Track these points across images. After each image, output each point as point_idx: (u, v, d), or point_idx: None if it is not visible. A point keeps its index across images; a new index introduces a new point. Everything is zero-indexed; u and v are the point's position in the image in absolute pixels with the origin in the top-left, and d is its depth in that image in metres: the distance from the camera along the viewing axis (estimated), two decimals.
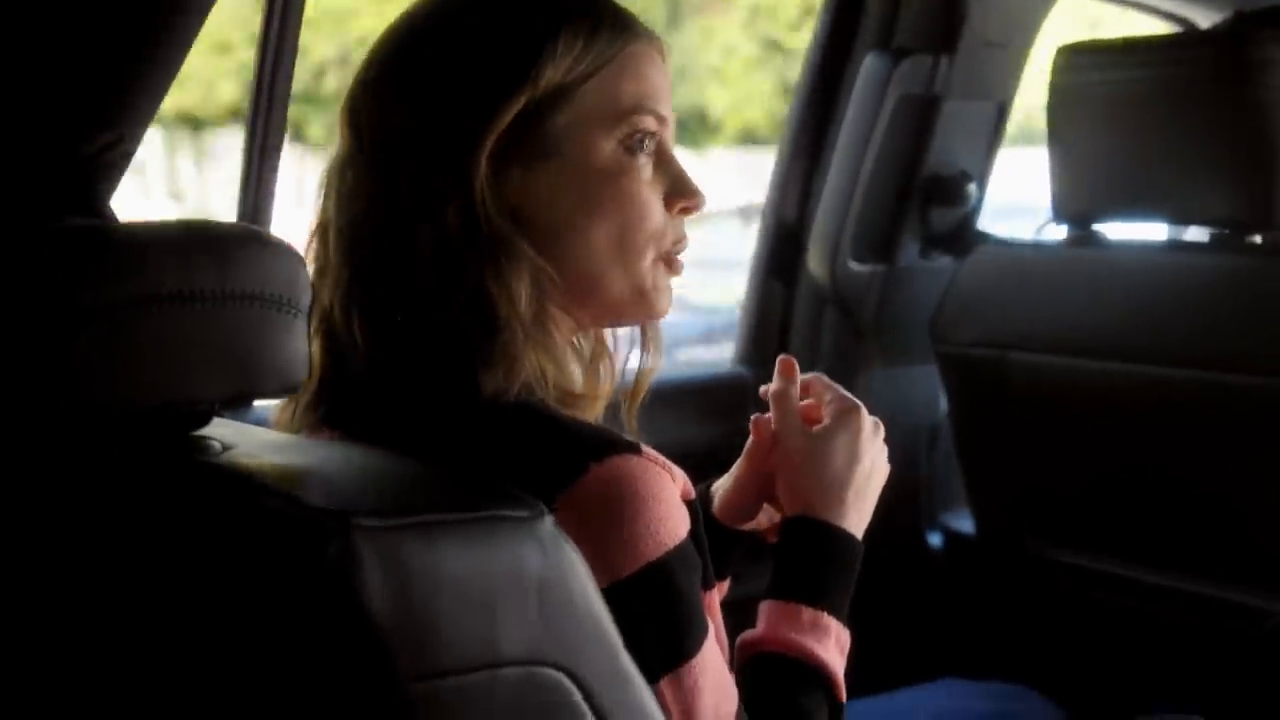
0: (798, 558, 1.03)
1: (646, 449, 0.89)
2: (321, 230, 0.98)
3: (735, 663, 1.01)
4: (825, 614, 1.01)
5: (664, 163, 0.98)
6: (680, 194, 0.98)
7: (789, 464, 1.05)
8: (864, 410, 1.06)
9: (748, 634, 1.02)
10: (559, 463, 0.86)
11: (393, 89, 0.96)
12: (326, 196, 0.98)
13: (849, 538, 1.03)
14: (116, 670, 0.79)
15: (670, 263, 0.99)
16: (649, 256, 0.98)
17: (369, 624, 0.70)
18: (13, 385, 0.71)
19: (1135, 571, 1.87)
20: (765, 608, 1.02)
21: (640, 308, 0.99)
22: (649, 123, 0.97)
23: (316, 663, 0.72)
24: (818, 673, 0.99)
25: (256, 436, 0.88)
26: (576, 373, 0.99)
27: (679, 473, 0.92)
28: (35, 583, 0.81)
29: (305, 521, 0.73)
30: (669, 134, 0.99)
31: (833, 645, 1.01)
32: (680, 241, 1.00)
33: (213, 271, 0.74)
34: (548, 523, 0.78)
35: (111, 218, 0.98)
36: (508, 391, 0.91)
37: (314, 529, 0.72)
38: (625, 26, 0.98)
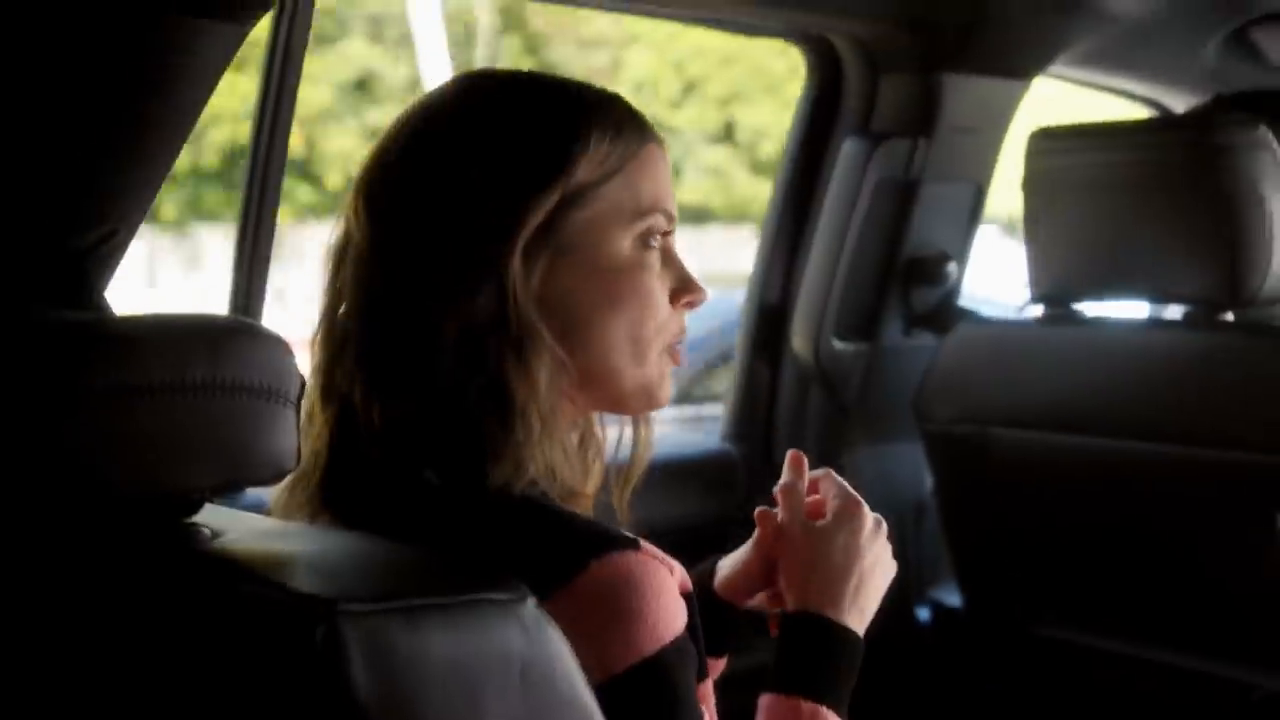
0: (798, 652, 1.04)
1: (645, 544, 0.90)
2: (331, 310, 0.98)
3: None
4: (824, 709, 1.01)
5: (670, 259, 1.02)
6: (685, 289, 1.01)
7: (792, 558, 1.07)
8: (865, 508, 1.07)
9: None
10: (559, 558, 0.87)
11: (421, 173, 0.97)
12: (336, 275, 0.99)
13: (849, 633, 1.04)
14: None
15: (673, 355, 1.02)
16: (657, 349, 1.00)
17: (355, 708, 0.71)
18: (6, 472, 0.73)
19: (1122, 646, 1.88)
20: (764, 701, 1.02)
21: (645, 400, 1.01)
22: (662, 221, 1.00)
23: None
24: None
25: (246, 523, 0.90)
26: (576, 465, 1.00)
27: (677, 566, 0.93)
28: (24, 665, 0.82)
29: (291, 607, 0.74)
30: (674, 232, 1.03)
31: None
32: (681, 333, 1.03)
33: (204, 362, 0.76)
34: (530, 605, 0.79)
35: (106, 309, 1.00)
36: (515, 485, 0.92)
37: (300, 614, 0.73)
38: (642, 127, 1.01)
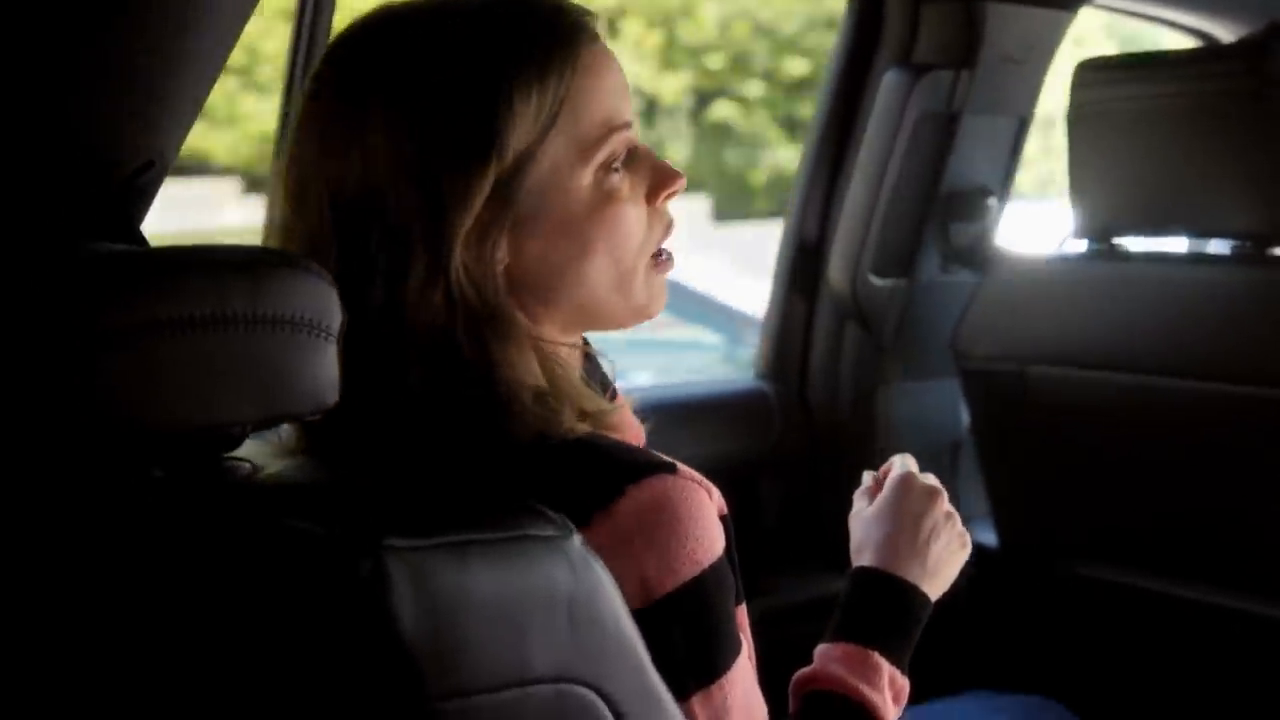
0: (853, 602, 1.06)
1: (682, 467, 0.89)
2: None
3: (790, 703, 1.02)
4: (876, 654, 1.02)
5: (638, 161, 0.95)
6: (661, 184, 0.96)
7: (869, 518, 1.11)
8: (914, 485, 1.11)
9: (800, 672, 1.03)
10: (595, 485, 0.86)
11: (333, 166, 0.90)
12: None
13: (908, 585, 1.06)
14: (146, 692, 0.80)
15: (659, 265, 0.98)
16: (642, 268, 0.96)
17: (399, 643, 0.71)
18: (46, 406, 0.72)
19: (1160, 585, 1.87)
20: (819, 649, 1.04)
21: (639, 318, 0.98)
22: (619, 139, 0.93)
23: (347, 682, 0.73)
24: (863, 711, 1.00)
25: (286, 458, 0.89)
26: (596, 395, 0.97)
27: (714, 489, 0.91)
28: (67, 602, 0.82)
29: (336, 542, 0.73)
30: (635, 130, 0.95)
31: (884, 687, 1.01)
32: (668, 230, 0.98)
33: (245, 295, 0.75)
34: (576, 541, 0.79)
35: (143, 242, 0.99)
36: (548, 435, 0.89)
37: (345, 549, 0.72)
38: (571, 36, 0.91)
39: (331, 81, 0.92)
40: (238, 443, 0.82)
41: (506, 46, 0.89)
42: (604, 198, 0.92)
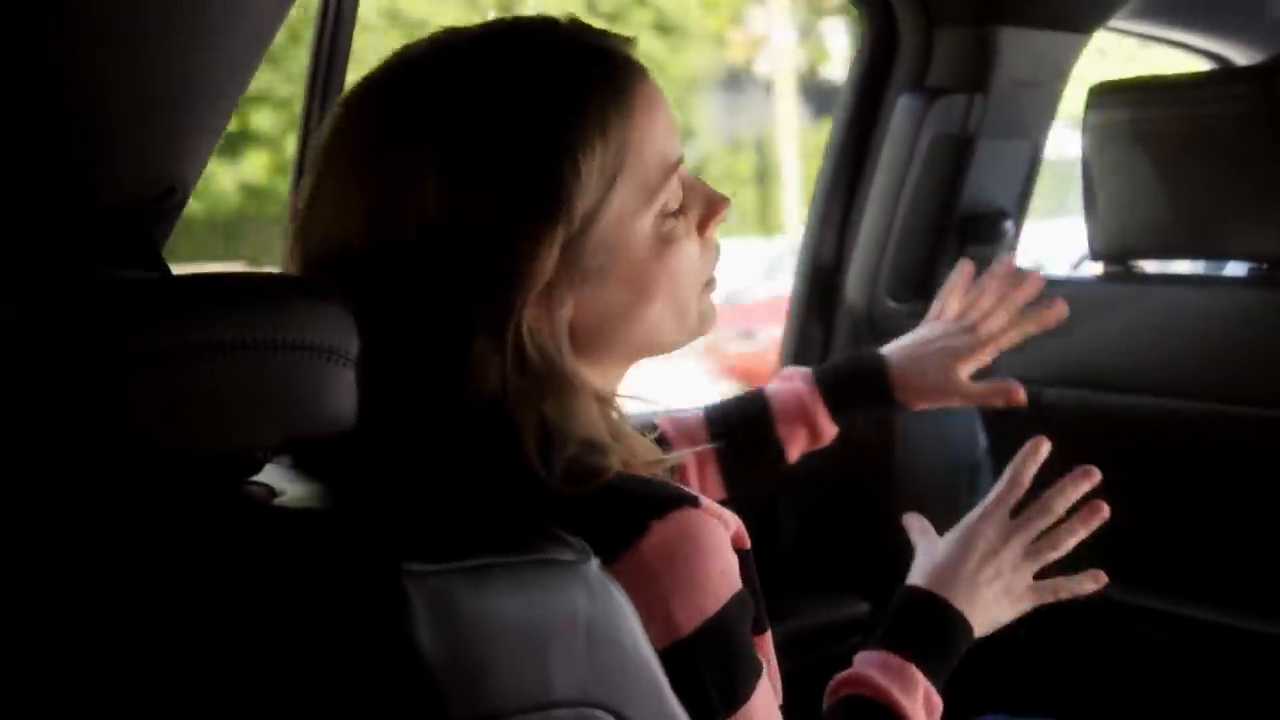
0: (899, 616, 1.09)
1: (703, 499, 0.89)
2: None
3: (824, 705, 1.03)
4: (914, 667, 1.03)
5: (689, 195, 0.94)
6: (710, 213, 0.95)
7: (943, 541, 1.14)
8: (995, 520, 1.13)
9: (838, 676, 1.04)
10: (620, 521, 0.86)
11: (378, 208, 0.86)
12: None
13: (953, 611, 1.07)
14: (161, 714, 0.81)
15: (710, 287, 0.98)
16: (695, 299, 0.97)
17: (420, 668, 0.71)
18: (71, 430, 0.73)
19: (1176, 607, 1.86)
20: (859, 655, 1.06)
21: (690, 340, 0.99)
22: (676, 182, 0.92)
23: (369, 708, 0.73)
24: (896, 718, 1.01)
25: (305, 483, 0.90)
26: (636, 437, 0.96)
27: (732, 519, 0.92)
28: (86, 625, 0.82)
29: (355, 567, 0.74)
30: (684, 165, 0.94)
31: (919, 698, 1.02)
32: (717, 256, 0.97)
33: (266, 322, 0.76)
34: (594, 565, 0.79)
35: (165, 269, 1.00)
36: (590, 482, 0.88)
37: (364, 574, 0.73)
38: (626, 82, 0.89)
39: (378, 119, 0.88)
40: (259, 467, 0.83)
41: (567, 101, 0.86)
42: (664, 241, 0.92)
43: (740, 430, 1.31)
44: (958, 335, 1.33)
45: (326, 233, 0.89)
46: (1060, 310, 1.33)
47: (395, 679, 0.72)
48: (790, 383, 1.35)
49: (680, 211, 0.93)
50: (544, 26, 0.90)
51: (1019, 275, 1.35)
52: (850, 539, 2.16)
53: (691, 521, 0.86)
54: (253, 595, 0.77)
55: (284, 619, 0.76)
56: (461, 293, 0.86)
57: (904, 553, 2.19)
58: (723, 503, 0.94)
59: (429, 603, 0.72)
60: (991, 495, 1.14)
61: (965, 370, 1.32)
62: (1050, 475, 1.97)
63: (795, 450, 1.34)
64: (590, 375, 0.92)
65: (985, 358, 1.33)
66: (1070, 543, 1.12)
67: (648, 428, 1.03)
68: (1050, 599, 1.12)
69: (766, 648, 0.97)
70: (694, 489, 1.27)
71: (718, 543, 0.87)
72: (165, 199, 1.01)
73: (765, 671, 0.92)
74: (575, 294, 0.89)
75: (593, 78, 0.88)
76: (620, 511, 0.87)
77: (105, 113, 1.00)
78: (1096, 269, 1.96)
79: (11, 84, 0.93)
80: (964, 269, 1.39)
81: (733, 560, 0.89)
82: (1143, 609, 1.90)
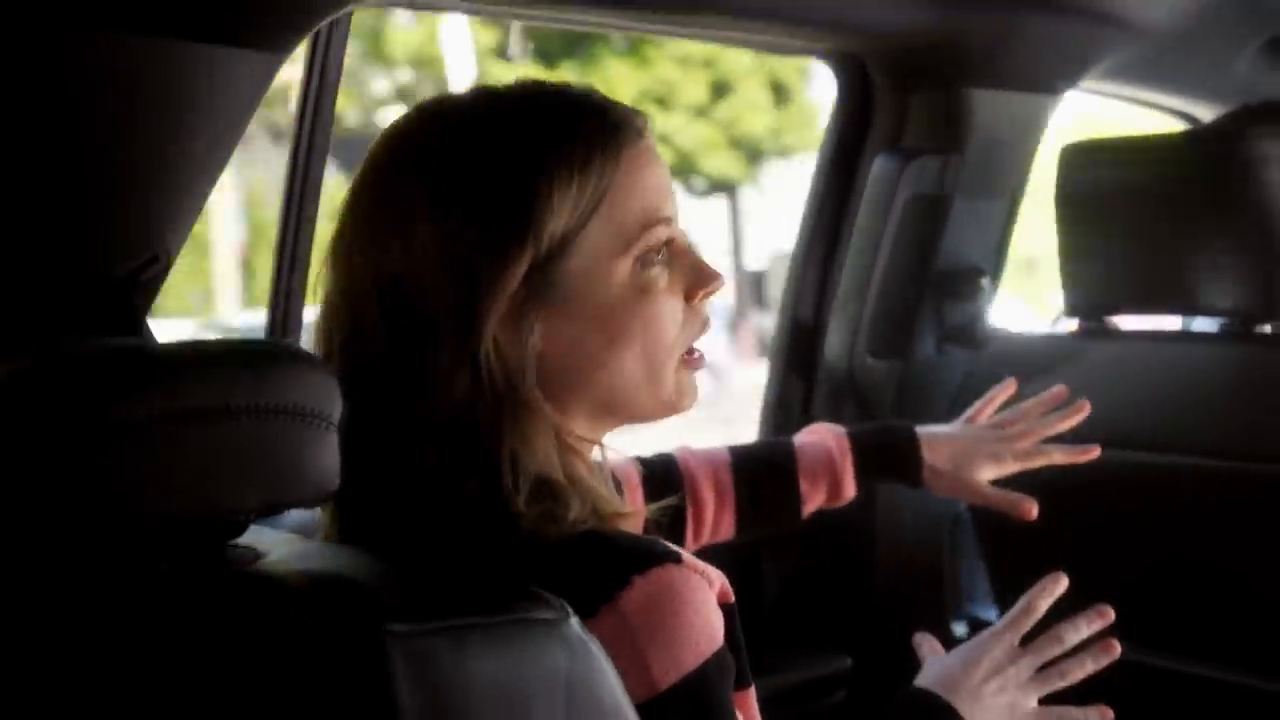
0: (901, 712, 1.11)
1: (686, 556, 0.90)
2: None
3: None
4: None
5: (678, 258, 0.96)
6: (699, 283, 0.97)
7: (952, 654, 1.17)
8: (1004, 641, 1.15)
9: None
10: (601, 575, 0.87)
11: (374, 246, 0.92)
12: (325, 340, 0.95)
13: (954, 713, 1.09)
14: None
15: (690, 361, 0.98)
16: (673, 364, 0.97)
17: None
18: (53, 497, 0.74)
19: (1163, 660, 1.86)
20: None
21: (667, 413, 0.99)
22: (660, 233, 0.94)
23: None
24: None
25: (290, 544, 0.91)
26: (608, 487, 0.98)
27: (716, 576, 0.92)
28: (67, 689, 0.82)
29: (337, 628, 0.75)
30: (678, 227, 0.97)
31: None
32: (703, 328, 0.99)
33: (249, 387, 0.77)
34: (574, 624, 0.80)
35: (148, 334, 1.01)
36: (552, 529, 0.90)
37: (346, 635, 0.74)
38: (616, 132, 0.93)
39: (381, 168, 0.94)
40: (242, 529, 0.84)
41: (549, 137, 0.91)
42: (641, 290, 0.93)
43: (764, 477, 1.34)
44: (992, 441, 1.38)
45: (346, 270, 0.94)
46: (1092, 452, 1.40)
47: None
48: (820, 437, 1.37)
49: (663, 269, 0.95)
50: (559, 85, 0.96)
51: (1063, 403, 1.40)
52: (833, 594, 2.16)
53: (674, 577, 0.87)
54: (235, 659, 0.78)
55: (267, 681, 0.76)
56: (433, 309, 0.89)
57: (886, 609, 2.20)
58: (704, 557, 0.95)
59: (411, 664, 0.73)
60: (1004, 619, 1.17)
61: (989, 475, 1.37)
62: (1031, 527, 1.98)
63: (812, 505, 1.36)
64: (556, 417, 0.94)
65: (1011, 469, 1.38)
66: (1079, 674, 1.15)
67: (612, 478, 1.04)
68: None
69: (749, 704, 0.97)
70: (706, 526, 1.29)
71: (700, 599, 0.88)
72: (149, 267, 1.03)
73: None
74: (545, 323, 0.92)
75: (586, 123, 0.92)
76: (602, 563, 0.88)
77: (90, 184, 1.01)
78: (1072, 326, 1.98)
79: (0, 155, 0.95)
80: (1007, 386, 1.46)
81: (715, 617, 0.89)
82: (1130, 663, 1.90)
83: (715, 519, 1.32)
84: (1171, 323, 2.10)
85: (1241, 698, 1.80)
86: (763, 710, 1.01)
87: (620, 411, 0.98)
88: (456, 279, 0.89)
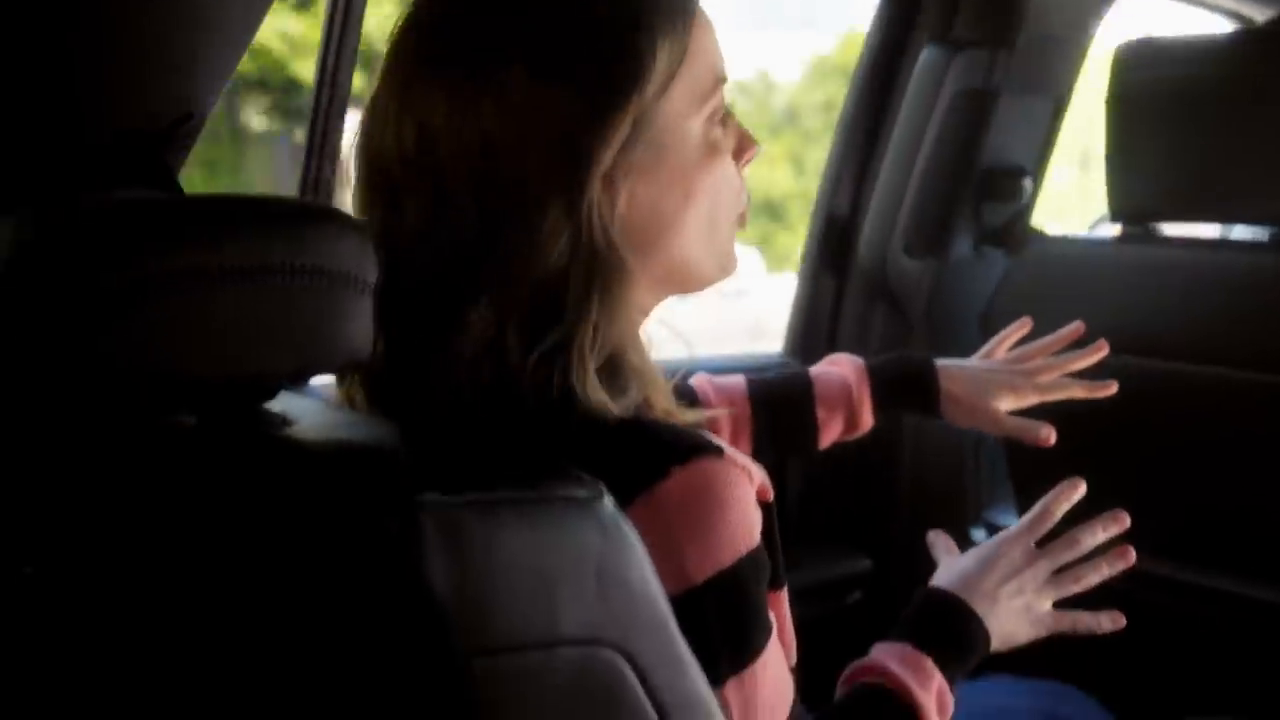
0: (919, 612, 1.10)
1: (729, 449, 0.88)
2: (392, 211, 0.90)
3: (837, 690, 1.05)
4: (931, 661, 1.04)
5: (730, 122, 0.96)
6: (744, 146, 0.97)
7: (967, 554, 1.16)
8: (1021, 543, 1.15)
9: (853, 664, 1.05)
10: (641, 464, 0.85)
11: (462, 102, 0.87)
12: (374, 205, 0.91)
13: (973, 614, 1.09)
14: (174, 640, 0.80)
15: (741, 220, 0.99)
16: (728, 227, 0.97)
17: (430, 600, 0.71)
18: (85, 351, 0.72)
19: (1186, 574, 1.86)
20: (876, 646, 1.06)
21: (721, 275, 0.99)
22: (721, 97, 0.94)
23: (378, 637, 0.73)
24: (909, 708, 1.01)
25: (319, 410, 0.89)
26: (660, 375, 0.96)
27: (758, 472, 0.91)
28: (96, 549, 0.82)
29: (367, 498, 0.73)
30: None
31: (933, 693, 1.03)
32: (745, 194, 0.98)
33: (284, 246, 0.75)
34: (607, 504, 0.79)
35: (180, 191, 0.99)
36: (611, 410, 0.88)
37: (376, 505, 0.72)
38: None
39: (455, 17, 0.90)
40: (273, 394, 0.82)
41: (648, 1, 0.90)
42: (710, 148, 0.93)
43: (780, 407, 1.32)
44: (1011, 374, 1.36)
45: (398, 129, 0.89)
46: (1111, 388, 1.37)
47: (405, 609, 0.72)
48: (838, 368, 1.36)
49: (722, 130, 0.95)
50: None
51: (1082, 342, 1.39)
52: (854, 496, 2.16)
53: (715, 470, 0.85)
54: (263, 524, 0.77)
55: (295, 548, 0.75)
56: (534, 172, 0.86)
57: (907, 513, 2.20)
58: None
59: (441, 535, 0.72)
60: (1021, 522, 1.16)
61: (1008, 405, 1.35)
62: (1063, 437, 1.97)
63: (830, 436, 1.35)
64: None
65: (1030, 401, 1.36)
66: (1094, 579, 1.14)
67: (669, 376, 1.02)
68: (1068, 629, 1.14)
69: (781, 604, 0.96)
70: None
71: (739, 495, 0.86)
72: (182, 124, 1.00)
73: (776, 630, 0.92)
74: (629, 186, 0.90)
75: None
76: (643, 452, 0.86)
77: (123, 40, 0.98)
78: (1114, 230, 1.94)
79: (31, 11, 0.92)
80: (1023, 324, 1.44)
81: (754, 514, 0.88)
82: (1151, 575, 1.89)
83: (731, 444, 1.30)
84: (1213, 231, 2.06)
85: (1258, 611, 1.80)
86: (800, 608, 1.01)
87: (680, 278, 0.97)
88: (561, 139, 0.86)
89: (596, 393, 0.88)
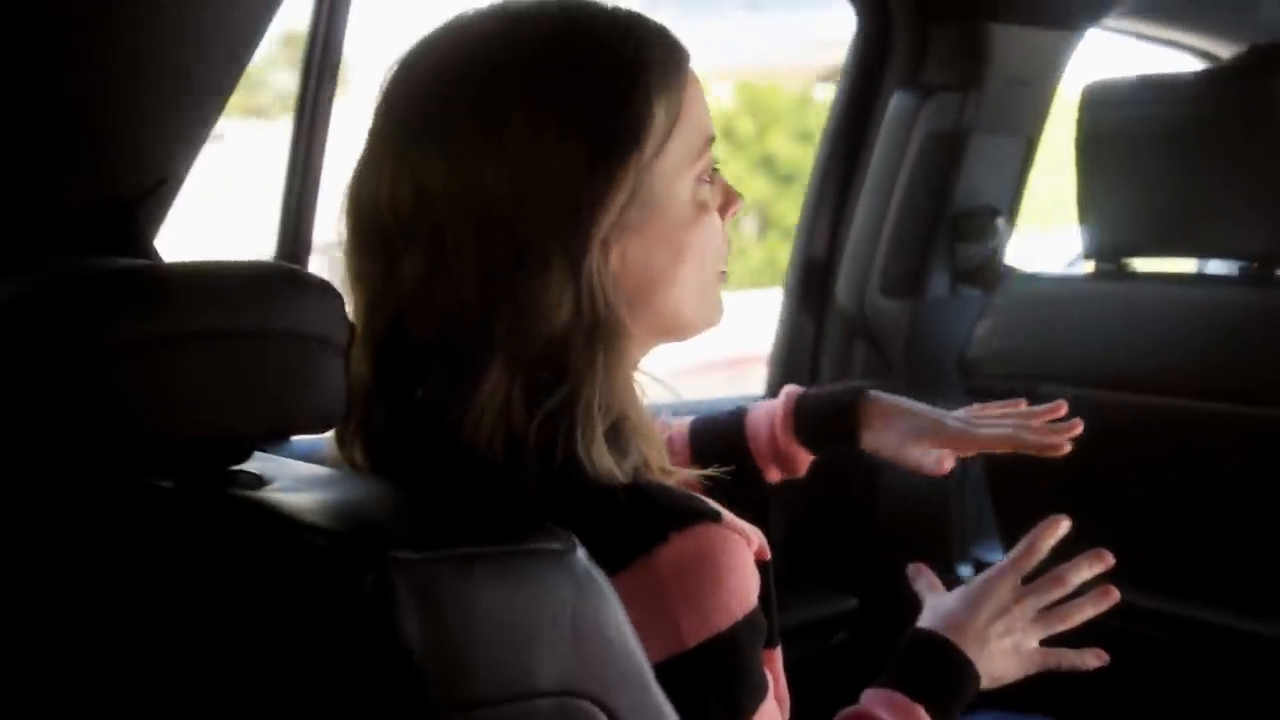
0: (909, 656, 1.09)
1: (727, 515, 0.89)
2: (381, 278, 0.90)
3: None
4: (920, 708, 1.04)
5: (715, 178, 0.97)
6: (729, 203, 0.98)
7: (956, 594, 1.14)
8: (1007, 581, 1.13)
9: (844, 711, 1.05)
10: (640, 527, 0.86)
11: (462, 162, 0.87)
12: (381, 252, 0.90)
13: (963, 657, 1.08)
14: (151, 704, 0.81)
15: (723, 277, 0.99)
16: (715, 280, 0.98)
17: (406, 656, 0.71)
18: (60, 416, 0.73)
19: (1166, 604, 1.86)
20: (867, 692, 1.06)
21: (708, 325, 0.99)
22: (710, 155, 0.95)
23: (354, 695, 0.73)
24: None
25: (295, 470, 0.90)
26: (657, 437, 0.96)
27: (754, 534, 0.91)
28: (72, 611, 0.82)
29: (341, 554, 0.74)
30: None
31: None
32: (728, 247, 0.99)
33: (255, 309, 0.76)
34: (580, 555, 0.79)
35: (156, 258, 1.00)
36: (616, 474, 0.88)
37: (350, 562, 0.73)
38: (680, 50, 0.93)
39: (453, 79, 0.89)
40: (246, 455, 0.83)
41: (643, 50, 0.90)
42: (699, 206, 0.94)
43: (719, 451, 1.27)
44: (949, 418, 1.25)
45: (393, 189, 0.89)
46: (1064, 447, 1.24)
47: (381, 666, 0.72)
48: (770, 406, 1.30)
49: (709, 187, 0.96)
50: (605, 5, 0.94)
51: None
52: (838, 535, 2.17)
53: (713, 536, 0.86)
54: (238, 583, 0.77)
55: (269, 606, 0.76)
56: (541, 228, 0.86)
57: (891, 550, 2.20)
58: (715, 499, 0.94)
59: (415, 591, 0.72)
60: (1006, 559, 1.15)
61: (933, 445, 1.24)
62: (1040, 469, 1.98)
63: (773, 476, 1.30)
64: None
65: (969, 450, 1.26)
66: (1079, 617, 1.14)
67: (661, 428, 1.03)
68: (1055, 666, 1.14)
69: (775, 662, 0.96)
70: None
71: (737, 562, 0.87)
72: (157, 189, 1.02)
73: (772, 690, 0.92)
74: (621, 245, 0.90)
75: (663, 43, 0.92)
76: (642, 517, 0.87)
77: (98, 107, 1.00)
78: (1089, 267, 1.96)
79: (7, 77, 0.94)
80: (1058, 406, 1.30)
81: (751, 580, 0.88)
82: (1134, 606, 1.90)
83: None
84: (1188, 266, 2.08)
85: (1236, 641, 1.81)
86: (795, 676, 1.01)
87: (672, 330, 0.97)
88: (563, 199, 0.86)
89: (603, 458, 0.88)
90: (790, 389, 1.31)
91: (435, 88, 0.89)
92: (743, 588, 0.87)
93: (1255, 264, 1.80)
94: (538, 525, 0.80)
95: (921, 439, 1.23)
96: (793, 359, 2.18)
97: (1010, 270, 2.11)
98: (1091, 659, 1.15)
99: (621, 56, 0.89)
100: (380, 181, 0.89)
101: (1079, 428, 1.22)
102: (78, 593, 0.81)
